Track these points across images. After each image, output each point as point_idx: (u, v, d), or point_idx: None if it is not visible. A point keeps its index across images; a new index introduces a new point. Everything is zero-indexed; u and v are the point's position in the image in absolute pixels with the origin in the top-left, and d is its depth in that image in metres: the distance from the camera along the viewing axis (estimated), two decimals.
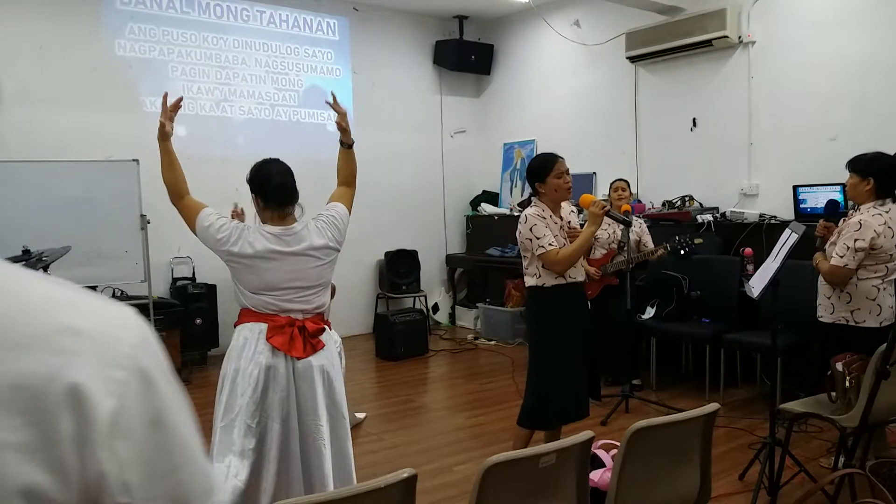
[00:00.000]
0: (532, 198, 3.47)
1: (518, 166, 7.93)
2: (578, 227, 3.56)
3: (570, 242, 3.38)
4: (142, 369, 0.54)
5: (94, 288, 5.55)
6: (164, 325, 5.44)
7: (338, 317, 4.52)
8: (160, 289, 6.07)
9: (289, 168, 2.76)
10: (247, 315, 2.67)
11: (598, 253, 5.16)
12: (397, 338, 6.44)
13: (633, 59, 6.49)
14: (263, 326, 2.60)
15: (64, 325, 0.51)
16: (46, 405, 0.49)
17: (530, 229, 3.29)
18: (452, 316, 8.17)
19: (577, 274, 3.42)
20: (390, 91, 7.77)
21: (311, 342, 2.64)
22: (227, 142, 6.73)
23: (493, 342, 6.99)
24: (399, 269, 7.58)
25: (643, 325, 5.25)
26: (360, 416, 4.62)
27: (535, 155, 3.58)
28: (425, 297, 7.76)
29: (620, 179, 5.28)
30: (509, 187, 8.04)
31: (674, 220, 5.83)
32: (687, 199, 6.05)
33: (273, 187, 2.67)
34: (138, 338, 0.56)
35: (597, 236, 5.21)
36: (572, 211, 3.56)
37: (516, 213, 7.55)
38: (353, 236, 4.39)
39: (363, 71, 7.57)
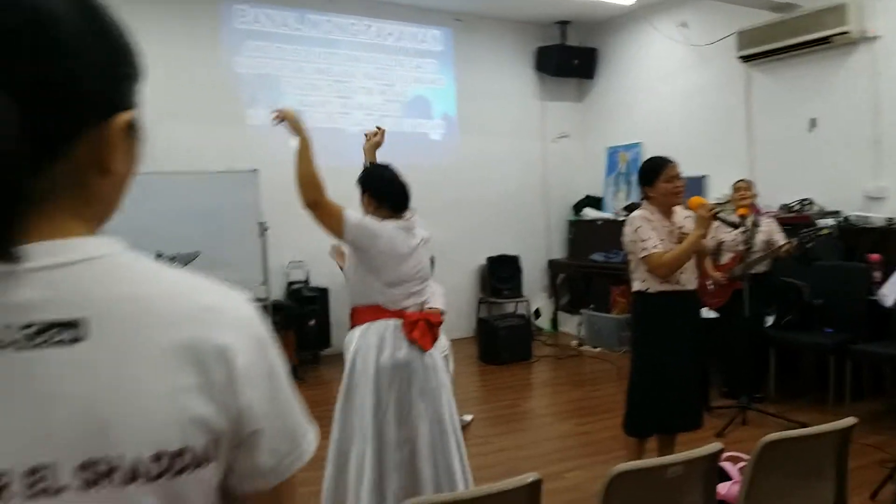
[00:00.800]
0: (642, 201, 3.43)
1: (623, 170, 7.81)
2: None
3: None
4: (258, 335, 0.73)
5: None
6: (281, 326, 5.70)
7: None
8: (277, 292, 6.37)
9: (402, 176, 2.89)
10: (372, 312, 2.72)
11: (726, 257, 5.01)
12: (501, 342, 6.48)
13: (744, 59, 6.27)
14: (398, 322, 2.70)
15: (204, 304, 0.70)
16: (206, 359, 0.67)
17: (635, 230, 3.25)
18: (555, 322, 8.13)
19: (688, 281, 3.33)
20: (493, 98, 7.84)
21: (434, 333, 2.79)
22: (339, 153, 6.96)
23: (598, 349, 6.90)
24: (501, 273, 7.63)
25: (762, 334, 5.05)
26: (468, 417, 4.68)
27: (645, 158, 3.53)
28: (527, 302, 7.76)
29: (743, 180, 5.09)
30: (613, 191, 7.92)
31: (792, 225, 5.57)
32: (806, 202, 5.78)
33: (397, 190, 2.82)
34: (252, 312, 0.74)
35: (722, 239, 5.07)
36: (687, 217, 3.47)
37: (621, 218, 7.43)
38: (457, 240, 4.52)
39: (466, 80, 7.67)
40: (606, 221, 7.63)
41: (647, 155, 7.50)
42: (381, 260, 2.69)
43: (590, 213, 7.90)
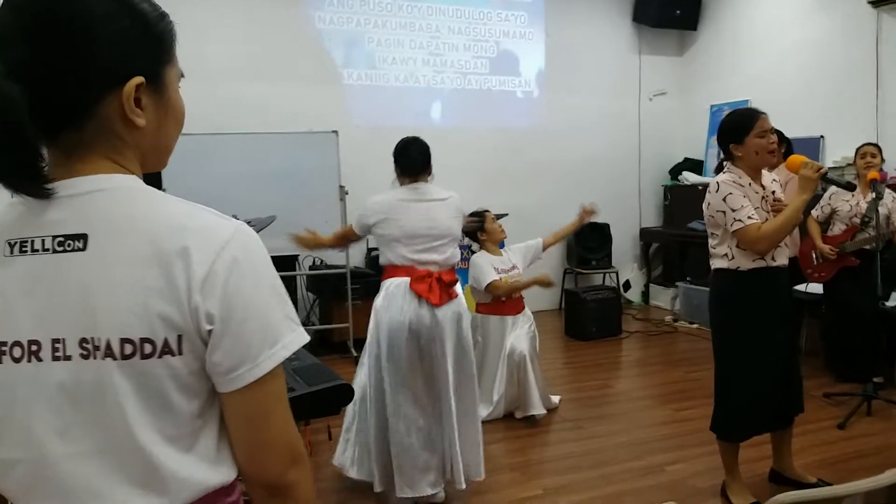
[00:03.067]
0: (725, 163, 2.89)
1: None
2: (783, 199, 2.94)
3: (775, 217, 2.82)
4: (231, 255, 0.84)
5: (295, 257, 5.75)
6: (360, 293, 5.50)
7: (525, 292, 4.27)
8: (357, 259, 6.17)
9: (426, 147, 3.12)
10: (389, 271, 3.02)
11: (838, 228, 4.47)
12: (588, 316, 6.09)
13: (875, 4, 5.54)
14: (406, 279, 2.93)
15: (182, 224, 0.84)
16: (170, 265, 0.81)
17: (723, 199, 2.72)
18: (646, 295, 7.65)
19: (781, 256, 2.83)
20: (585, 53, 7.34)
21: (448, 292, 2.97)
22: (419, 112, 6.67)
23: (695, 325, 6.41)
24: (589, 243, 7.19)
25: (887, 315, 4.48)
26: (556, 399, 4.36)
27: (729, 111, 3.01)
28: (616, 273, 7.31)
29: (870, 144, 4.49)
30: (717, 154, 7.29)
31: None
32: None
33: (408, 158, 3.08)
34: (233, 235, 0.85)
35: (837, 208, 4.50)
36: (775, 180, 2.96)
37: None
38: (543, 205, 4.17)
39: (557, 33, 7.18)
40: (707, 186, 7.03)
41: None
42: (384, 226, 3.00)
43: (689, 177, 7.32)
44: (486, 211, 4.31)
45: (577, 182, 7.03)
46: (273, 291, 0.88)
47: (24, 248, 0.84)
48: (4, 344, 0.83)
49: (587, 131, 7.36)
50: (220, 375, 0.85)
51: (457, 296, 3.02)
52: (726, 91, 7.18)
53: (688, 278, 6.87)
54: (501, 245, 4.36)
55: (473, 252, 4.42)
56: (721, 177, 2.83)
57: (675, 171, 7.60)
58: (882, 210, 4.26)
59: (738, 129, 2.80)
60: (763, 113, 2.82)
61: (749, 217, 2.70)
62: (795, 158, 2.83)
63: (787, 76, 6.45)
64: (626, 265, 7.62)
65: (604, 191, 7.41)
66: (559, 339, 6.16)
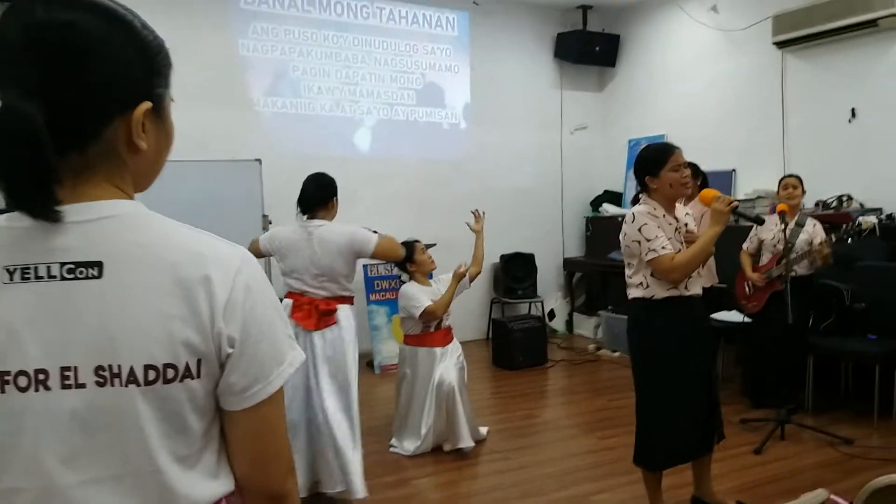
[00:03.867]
0: (641, 195, 2.98)
1: None
2: (696, 231, 3.07)
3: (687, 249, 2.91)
4: (245, 281, 0.89)
5: None
6: None
7: (452, 321, 4.25)
8: (280, 289, 6.02)
9: (325, 183, 3.40)
10: (288, 295, 3.32)
11: (765, 258, 4.65)
12: (515, 346, 6.12)
13: (780, 45, 5.89)
14: (289, 302, 3.26)
15: (199, 252, 0.87)
16: (193, 293, 0.85)
17: (639, 230, 2.80)
18: (570, 323, 7.77)
19: (694, 286, 2.92)
20: (509, 87, 7.48)
21: (325, 319, 3.24)
22: (346, 141, 6.63)
23: (617, 353, 6.53)
24: (515, 273, 7.26)
25: (799, 341, 4.66)
26: (484, 430, 4.33)
27: (645, 145, 3.12)
28: (542, 302, 7.40)
29: (791, 176, 4.67)
30: (635, 186, 7.52)
31: (830, 223, 5.18)
32: (845, 198, 5.39)
33: (303, 196, 3.38)
34: (242, 262, 0.90)
35: (763, 238, 4.68)
36: (688, 213, 3.07)
37: None
38: (469, 235, 4.20)
39: (482, 67, 7.31)
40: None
41: None
42: (276, 258, 3.42)
43: (609, 208, 7.52)
44: (417, 241, 4.27)
45: (503, 213, 7.10)
46: (277, 313, 0.94)
47: (26, 275, 0.83)
48: (8, 374, 0.82)
49: (512, 164, 7.48)
50: (235, 395, 0.90)
51: (335, 322, 3.27)
52: (644, 126, 7.45)
53: (609, 307, 7.02)
54: (430, 276, 4.33)
55: (403, 282, 4.37)
56: (637, 208, 2.90)
57: (596, 203, 7.79)
58: (804, 236, 4.46)
59: (653, 162, 2.88)
60: (677, 148, 2.91)
61: (663, 247, 2.77)
62: (708, 192, 2.93)
63: (701, 112, 6.74)
64: (550, 295, 7.73)
65: (529, 221, 7.57)
66: (487, 368, 6.16)
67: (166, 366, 0.83)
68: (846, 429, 4.25)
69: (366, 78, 6.72)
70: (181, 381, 0.84)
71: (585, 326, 7.51)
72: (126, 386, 0.82)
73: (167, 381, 0.84)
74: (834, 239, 4.24)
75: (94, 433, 0.83)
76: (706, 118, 6.64)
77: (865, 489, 1.66)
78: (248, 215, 5.24)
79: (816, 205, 5.49)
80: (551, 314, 7.60)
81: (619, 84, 7.85)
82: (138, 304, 0.83)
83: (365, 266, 6.17)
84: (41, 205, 0.80)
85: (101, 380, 0.82)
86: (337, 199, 3.46)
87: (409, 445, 4.05)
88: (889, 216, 5.06)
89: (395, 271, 6.31)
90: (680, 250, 2.86)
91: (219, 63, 6.06)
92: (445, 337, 4.18)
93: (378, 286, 6.25)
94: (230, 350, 0.87)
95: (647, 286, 2.86)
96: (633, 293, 2.94)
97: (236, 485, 0.95)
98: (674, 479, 3.27)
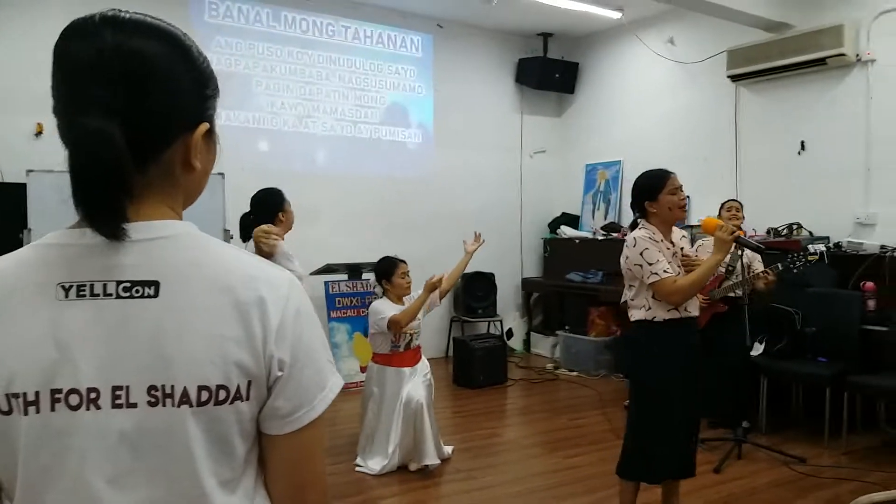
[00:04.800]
0: (640, 220, 3.10)
1: (601, 188, 7.60)
2: (693, 254, 3.21)
3: (684, 271, 3.03)
4: (294, 304, 0.89)
5: None
6: None
7: (421, 341, 4.27)
8: None
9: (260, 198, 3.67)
10: None
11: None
12: (476, 364, 6.15)
13: (734, 78, 6.12)
14: None
15: (252, 274, 0.88)
16: (248, 316, 0.85)
17: (640, 254, 2.92)
18: (527, 343, 7.84)
19: (693, 307, 3.05)
20: (471, 109, 7.57)
21: None
22: (308, 158, 6.60)
23: (574, 373, 6.62)
24: (476, 292, 7.31)
25: (752, 363, 4.82)
26: (448, 449, 4.33)
27: (642, 172, 3.23)
28: (501, 321, 7.46)
29: (733, 200, 4.90)
30: (591, 210, 7.70)
31: (781, 250, 5.38)
32: (794, 226, 5.62)
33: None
34: (291, 286, 0.90)
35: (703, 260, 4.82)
36: (683, 236, 3.21)
37: (600, 237, 7.21)
38: (430, 255, 4.27)
39: (445, 88, 7.38)
40: (583, 240, 7.40)
41: (628, 173, 7.32)
42: None
43: (566, 231, 7.65)
44: (402, 262, 4.24)
45: (465, 232, 7.00)
46: (321, 338, 0.94)
47: (81, 292, 0.83)
48: (59, 391, 0.81)
49: (473, 185, 7.55)
50: (279, 419, 0.89)
51: None
52: (601, 151, 7.63)
53: (566, 327, 7.11)
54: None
55: (377, 297, 4.32)
56: (637, 233, 3.01)
57: (554, 225, 7.92)
58: (744, 260, 4.62)
59: (651, 187, 3.00)
60: (672, 173, 3.04)
61: (665, 271, 2.88)
62: (710, 221, 3.07)
63: (657, 140, 6.94)
64: (508, 314, 7.80)
65: (489, 241, 7.54)
66: (447, 387, 6.16)
67: (219, 387, 0.83)
68: (799, 448, 4.40)
69: (329, 95, 6.71)
70: (231, 402, 0.84)
71: (542, 346, 7.59)
72: (178, 406, 0.82)
73: (218, 403, 0.83)
74: (780, 268, 4.37)
75: (143, 454, 0.82)
76: (662, 146, 6.84)
77: None
78: (211, 230, 4.96)
79: (768, 232, 5.71)
80: (509, 333, 7.66)
81: (577, 110, 8.04)
82: (194, 324, 0.83)
83: (326, 282, 6.13)
84: (113, 223, 0.81)
85: (154, 400, 0.82)
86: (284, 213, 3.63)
87: (374, 465, 4.02)
88: (837, 244, 5.29)
89: (358, 288, 6.29)
90: (679, 273, 2.95)
91: None
92: (414, 357, 4.18)
93: (339, 303, 6.21)
94: (279, 373, 0.87)
95: (650, 308, 2.97)
96: (634, 315, 3.03)
97: None
98: (642, 496, 3.32)
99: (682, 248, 3.10)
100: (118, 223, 0.81)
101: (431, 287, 4.12)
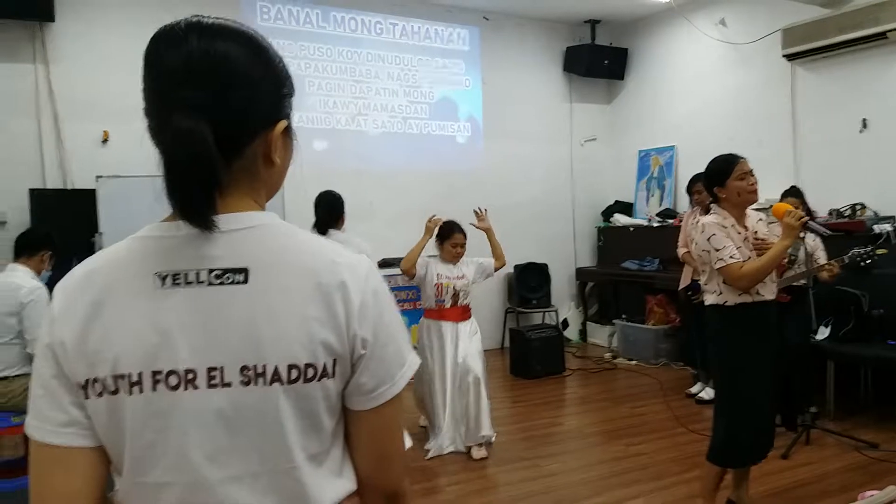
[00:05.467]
0: (712, 206, 3.11)
1: (655, 174, 7.52)
2: (768, 236, 3.17)
3: (757, 255, 3.00)
4: (372, 285, 0.94)
5: None
6: None
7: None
8: None
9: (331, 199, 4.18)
10: None
11: None
12: (533, 355, 6.17)
13: (790, 57, 5.98)
14: None
15: (334, 259, 0.93)
16: (331, 297, 0.90)
17: (708, 240, 2.93)
18: (583, 333, 7.82)
19: (767, 291, 3.01)
20: (519, 100, 7.57)
21: None
22: (361, 155, 6.70)
23: (633, 362, 6.58)
24: (529, 283, 7.33)
25: (818, 348, 4.73)
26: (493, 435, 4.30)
27: (712, 158, 3.21)
28: (556, 312, 7.46)
29: (792, 194, 4.73)
30: (645, 196, 7.62)
31: (845, 231, 5.26)
32: (858, 207, 5.47)
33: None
34: (369, 269, 0.95)
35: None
36: (760, 220, 3.16)
37: (655, 224, 7.13)
38: (483, 247, 4.33)
39: (493, 81, 7.40)
40: (638, 228, 7.33)
41: (682, 159, 7.23)
42: None
43: (620, 219, 7.60)
44: (460, 232, 4.43)
45: (515, 224, 7.17)
46: (398, 318, 0.99)
47: (177, 281, 0.88)
48: (160, 373, 0.87)
49: (523, 176, 7.56)
50: (364, 395, 0.94)
51: None
52: (653, 137, 7.54)
53: (623, 316, 7.07)
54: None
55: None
56: (706, 218, 3.02)
57: (607, 213, 7.87)
58: (807, 249, 4.52)
59: (719, 173, 3.01)
60: (742, 158, 3.03)
61: (731, 256, 2.88)
62: (780, 207, 3.03)
63: (709, 124, 6.83)
64: (563, 304, 7.79)
65: (541, 233, 7.64)
66: (505, 377, 6.20)
67: (307, 365, 0.88)
68: (869, 433, 4.30)
69: (380, 93, 6.80)
70: (319, 380, 0.89)
71: (599, 335, 7.56)
72: (270, 385, 0.87)
73: (307, 381, 0.88)
74: (846, 261, 4.25)
75: (238, 431, 0.88)
76: (716, 129, 6.72)
77: None
78: None
79: (830, 213, 5.57)
80: (564, 323, 7.65)
81: (627, 97, 7.95)
82: (281, 307, 0.88)
83: (383, 277, 6.21)
84: (205, 215, 0.87)
85: (246, 379, 0.87)
86: (344, 215, 4.04)
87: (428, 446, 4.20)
88: None
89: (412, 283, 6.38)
90: (750, 258, 2.94)
91: None
92: (459, 314, 4.35)
93: (396, 297, 6.24)
94: (363, 351, 0.92)
95: (721, 293, 2.98)
96: (708, 300, 3.05)
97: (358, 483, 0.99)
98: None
99: (755, 232, 3.08)
100: (209, 215, 0.87)
101: (429, 230, 4.38)
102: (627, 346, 6.78)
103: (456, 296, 4.34)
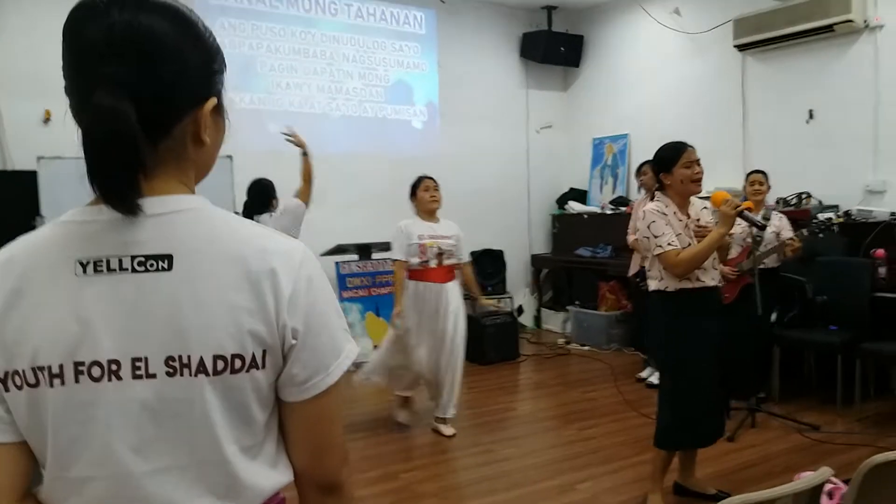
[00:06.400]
0: (656, 192, 3.14)
1: (609, 162, 7.58)
2: (711, 224, 3.21)
3: (698, 243, 3.04)
4: (307, 274, 0.91)
5: None
6: None
7: None
8: None
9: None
10: None
11: (735, 251, 4.77)
12: (488, 341, 6.19)
13: (741, 48, 6.08)
14: None
15: (264, 246, 0.89)
16: (260, 286, 0.86)
17: (648, 227, 2.98)
18: (538, 319, 7.88)
19: (708, 278, 3.06)
20: (476, 85, 7.54)
21: None
22: (314, 138, 6.57)
23: (586, 347, 6.66)
24: (485, 269, 7.33)
25: (767, 332, 4.83)
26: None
27: (662, 145, 3.24)
28: (511, 298, 7.49)
29: (757, 172, 4.85)
30: (599, 184, 7.69)
31: (791, 218, 5.39)
32: (804, 196, 5.61)
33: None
34: (304, 256, 0.92)
35: (732, 233, 4.81)
36: (705, 207, 3.20)
37: (608, 212, 7.20)
38: (468, 237, 4.34)
39: (449, 65, 7.35)
40: (592, 215, 7.40)
41: (635, 147, 7.30)
42: None
43: (575, 206, 7.65)
44: (428, 178, 4.40)
45: (471, 210, 7.12)
46: (335, 307, 0.96)
47: (98, 268, 0.85)
48: (82, 364, 0.84)
49: (479, 161, 7.53)
50: (296, 386, 0.92)
51: None
52: (608, 125, 7.60)
53: (577, 302, 7.14)
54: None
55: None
56: (648, 205, 3.06)
57: (562, 201, 7.91)
58: (771, 229, 4.63)
59: (667, 160, 3.04)
60: (690, 146, 3.07)
61: (669, 244, 2.92)
62: (719, 195, 3.07)
63: (664, 112, 6.91)
64: (518, 290, 7.82)
65: (496, 219, 7.64)
66: None
67: (234, 356, 0.85)
68: (812, 416, 4.43)
69: (334, 75, 6.69)
70: (247, 371, 0.86)
71: (553, 321, 7.62)
72: (195, 376, 0.84)
73: (234, 372, 0.85)
74: (806, 233, 4.42)
75: (164, 423, 0.85)
76: (669, 118, 6.81)
77: (863, 465, 1.76)
78: None
79: (777, 202, 5.69)
80: (520, 310, 7.70)
81: (583, 84, 7.99)
82: (207, 296, 0.85)
83: (337, 263, 6.16)
84: (128, 199, 0.82)
85: (171, 370, 0.84)
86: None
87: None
88: (846, 213, 5.27)
89: (369, 268, 6.32)
90: (690, 244, 2.97)
91: None
92: (447, 274, 4.32)
93: (350, 283, 6.24)
94: (293, 342, 0.89)
95: (662, 279, 3.03)
96: (651, 285, 3.10)
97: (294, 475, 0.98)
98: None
99: (697, 220, 3.11)
100: (133, 199, 0.82)
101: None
102: (581, 332, 6.86)
103: (440, 255, 4.27)
